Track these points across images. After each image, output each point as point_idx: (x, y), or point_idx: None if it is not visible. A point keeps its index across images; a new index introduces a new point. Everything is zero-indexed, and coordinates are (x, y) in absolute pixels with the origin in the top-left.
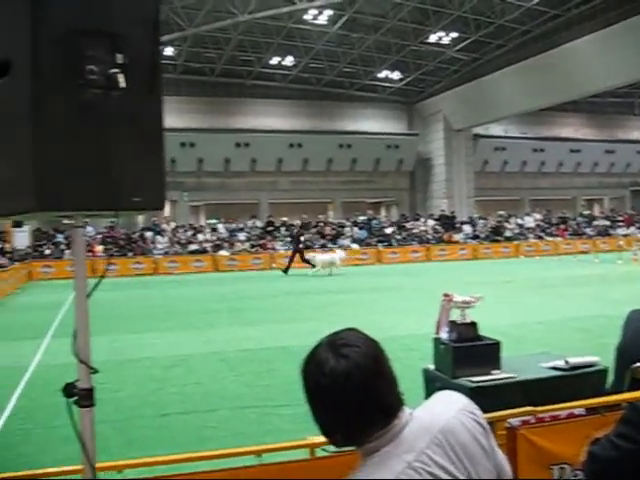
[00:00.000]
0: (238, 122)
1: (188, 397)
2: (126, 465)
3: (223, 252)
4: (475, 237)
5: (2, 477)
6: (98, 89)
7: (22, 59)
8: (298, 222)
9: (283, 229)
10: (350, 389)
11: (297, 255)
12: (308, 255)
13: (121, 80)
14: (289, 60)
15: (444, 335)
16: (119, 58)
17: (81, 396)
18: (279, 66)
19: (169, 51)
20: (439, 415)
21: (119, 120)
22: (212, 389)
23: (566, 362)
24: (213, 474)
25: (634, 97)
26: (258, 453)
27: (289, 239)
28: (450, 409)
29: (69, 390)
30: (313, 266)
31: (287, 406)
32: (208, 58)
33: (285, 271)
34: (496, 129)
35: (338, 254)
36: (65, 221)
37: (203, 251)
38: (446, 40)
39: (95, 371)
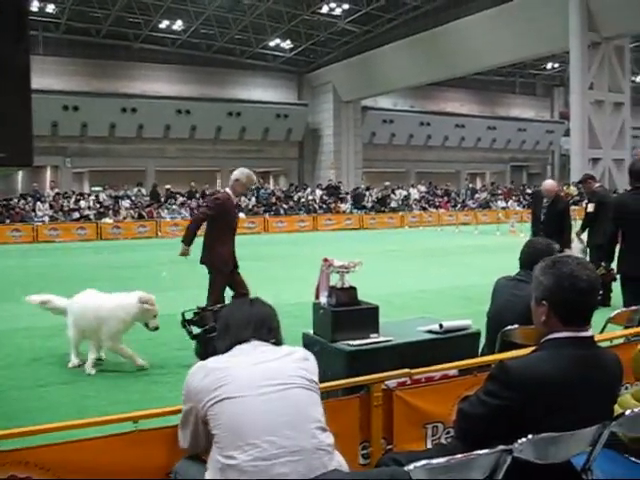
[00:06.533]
0: (124, 87)
1: (67, 367)
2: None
3: (107, 220)
4: (362, 207)
5: None
6: None
7: None
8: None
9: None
10: None
11: None
12: None
13: None
14: (179, 24)
15: (323, 300)
16: None
17: None
18: (168, 30)
19: (50, 8)
20: None
21: None
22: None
23: (440, 326)
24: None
25: (515, 76)
26: (135, 419)
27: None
28: None
29: None
30: None
31: (170, 374)
32: (93, 18)
33: None
34: (385, 102)
35: None
36: None
37: (86, 218)
38: (338, 11)
39: None
